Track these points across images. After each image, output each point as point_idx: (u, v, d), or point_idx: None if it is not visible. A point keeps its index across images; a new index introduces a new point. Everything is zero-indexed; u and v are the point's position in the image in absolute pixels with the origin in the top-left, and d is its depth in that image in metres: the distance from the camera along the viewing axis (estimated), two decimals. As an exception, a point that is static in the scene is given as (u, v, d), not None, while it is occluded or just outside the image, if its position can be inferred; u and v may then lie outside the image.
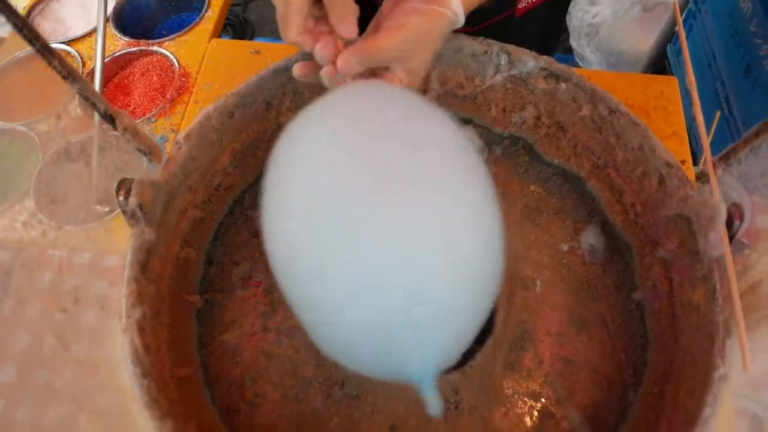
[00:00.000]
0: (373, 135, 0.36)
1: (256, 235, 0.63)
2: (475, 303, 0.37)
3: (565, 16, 0.98)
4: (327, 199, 0.34)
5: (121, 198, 0.48)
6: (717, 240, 0.46)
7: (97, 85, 0.74)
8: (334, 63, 0.46)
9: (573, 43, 1.84)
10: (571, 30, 1.85)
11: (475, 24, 0.79)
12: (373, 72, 0.48)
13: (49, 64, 0.43)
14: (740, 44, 1.25)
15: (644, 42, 1.69)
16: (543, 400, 0.54)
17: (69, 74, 0.44)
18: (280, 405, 0.55)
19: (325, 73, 0.47)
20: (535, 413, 0.53)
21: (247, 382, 0.56)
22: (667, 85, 0.76)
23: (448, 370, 0.54)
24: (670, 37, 1.56)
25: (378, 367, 0.39)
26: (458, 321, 0.36)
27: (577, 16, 1.82)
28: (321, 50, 0.46)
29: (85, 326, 0.63)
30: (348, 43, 0.46)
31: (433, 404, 0.37)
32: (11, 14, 0.38)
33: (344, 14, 0.45)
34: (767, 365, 0.53)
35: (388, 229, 0.33)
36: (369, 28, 0.50)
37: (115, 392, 0.55)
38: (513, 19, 0.79)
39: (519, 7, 0.78)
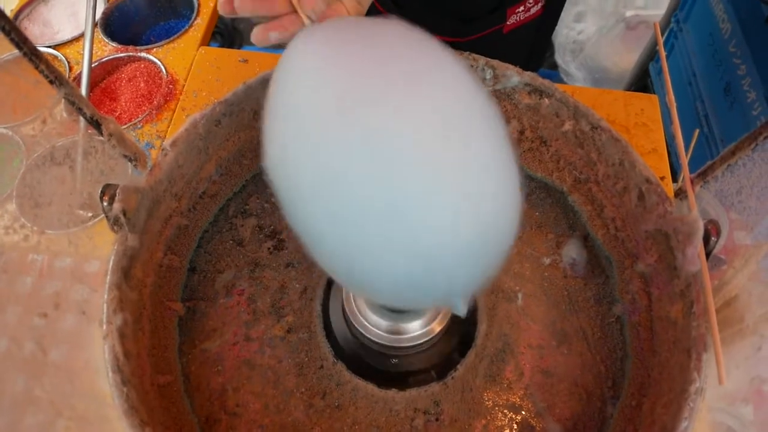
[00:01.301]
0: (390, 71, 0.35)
1: (240, 243, 0.63)
2: (498, 239, 0.37)
3: (551, 36, 1.00)
4: (349, 144, 0.33)
5: (105, 203, 0.48)
6: (694, 256, 0.47)
7: (83, 89, 0.74)
8: None
9: (558, 59, 1.87)
10: (556, 46, 1.88)
11: (464, 35, 0.80)
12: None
13: (36, 68, 0.43)
14: (720, 64, 1.28)
15: (628, 59, 1.72)
16: (523, 412, 0.54)
17: (56, 78, 0.44)
18: (261, 415, 0.54)
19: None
20: (515, 425, 0.54)
21: (229, 392, 0.55)
22: (648, 102, 0.77)
23: (429, 382, 0.55)
24: (652, 55, 1.58)
25: (412, 298, 0.40)
26: (485, 255, 0.37)
27: (563, 33, 1.85)
28: None
29: (66, 332, 0.62)
30: None
31: (462, 311, 0.39)
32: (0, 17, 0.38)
33: None
34: (742, 379, 0.54)
35: (416, 172, 0.33)
36: None
37: (95, 399, 0.55)
38: (501, 36, 0.80)
39: (507, 23, 0.79)
